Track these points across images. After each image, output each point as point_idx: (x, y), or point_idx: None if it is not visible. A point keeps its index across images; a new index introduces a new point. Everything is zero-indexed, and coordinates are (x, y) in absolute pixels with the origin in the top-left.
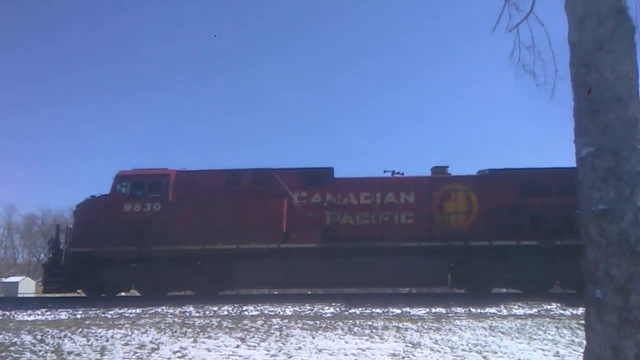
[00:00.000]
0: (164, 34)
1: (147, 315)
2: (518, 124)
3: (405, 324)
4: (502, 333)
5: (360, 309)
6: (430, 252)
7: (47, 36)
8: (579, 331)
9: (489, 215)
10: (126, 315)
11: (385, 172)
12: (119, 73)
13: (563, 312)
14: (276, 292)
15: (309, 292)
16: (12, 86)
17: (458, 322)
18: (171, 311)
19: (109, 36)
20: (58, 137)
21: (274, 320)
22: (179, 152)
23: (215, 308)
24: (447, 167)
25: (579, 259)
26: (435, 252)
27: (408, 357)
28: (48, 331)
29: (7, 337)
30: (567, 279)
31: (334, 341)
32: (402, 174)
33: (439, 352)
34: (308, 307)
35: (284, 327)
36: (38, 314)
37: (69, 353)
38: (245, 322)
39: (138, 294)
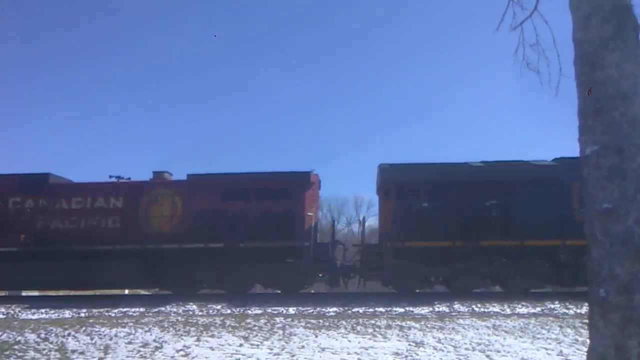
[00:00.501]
0: (162, 29)
1: (150, 314)
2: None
3: (408, 322)
4: (506, 332)
5: (363, 307)
6: (132, 255)
7: (43, 35)
8: (582, 330)
9: (190, 219)
10: (130, 314)
11: (110, 177)
12: (117, 70)
13: (567, 311)
14: (279, 292)
15: (312, 292)
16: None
17: (461, 321)
18: (174, 310)
19: (107, 34)
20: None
21: (277, 319)
22: (179, 151)
23: (219, 307)
24: (166, 172)
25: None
26: (137, 255)
27: (411, 356)
28: (52, 330)
29: (11, 336)
30: (267, 280)
31: (337, 340)
32: (129, 178)
33: (442, 351)
34: (311, 306)
35: (287, 326)
36: (42, 313)
37: (73, 351)
38: (248, 320)
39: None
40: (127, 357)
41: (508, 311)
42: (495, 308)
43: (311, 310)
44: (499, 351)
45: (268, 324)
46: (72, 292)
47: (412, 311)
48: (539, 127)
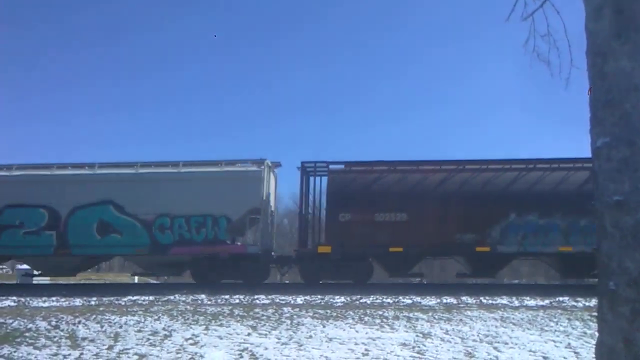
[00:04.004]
0: (157, 18)
1: (159, 303)
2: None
3: (415, 314)
4: (514, 324)
5: (371, 298)
6: None
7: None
8: (591, 323)
9: None
10: (139, 302)
11: None
12: (114, 58)
13: (575, 303)
14: (287, 282)
15: (320, 282)
16: None
17: (469, 312)
18: (183, 299)
19: (102, 21)
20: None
21: (285, 309)
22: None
23: (227, 296)
24: None
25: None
26: None
27: (418, 347)
28: (63, 317)
29: (22, 323)
30: None
31: (344, 330)
32: None
33: (450, 342)
34: (319, 296)
35: (295, 316)
36: (53, 301)
37: (84, 339)
38: (256, 310)
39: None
40: (137, 344)
41: (516, 303)
42: (503, 300)
43: (319, 301)
44: (506, 343)
45: (276, 313)
46: (83, 281)
47: (420, 302)
48: (539, 124)
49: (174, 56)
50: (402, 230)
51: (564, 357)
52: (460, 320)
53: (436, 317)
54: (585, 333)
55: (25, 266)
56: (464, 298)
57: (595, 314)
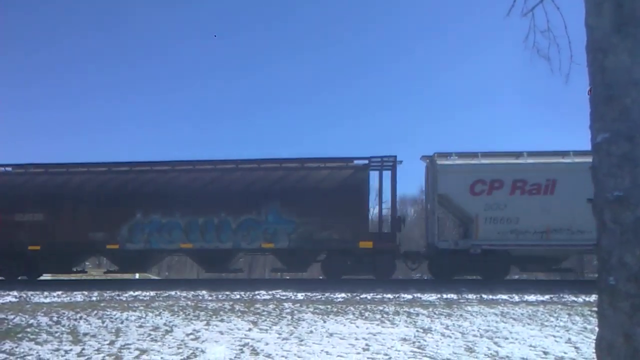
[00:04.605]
0: (170, 33)
1: (160, 299)
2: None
3: (416, 309)
4: (514, 319)
5: (371, 294)
6: None
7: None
8: (591, 318)
9: None
10: (140, 298)
11: None
12: (122, 73)
13: (575, 299)
14: (287, 277)
15: (321, 277)
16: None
17: (469, 308)
18: (184, 294)
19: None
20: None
21: (286, 305)
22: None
23: (228, 292)
24: None
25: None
26: None
27: (419, 342)
28: (64, 313)
29: (23, 319)
30: None
31: (345, 325)
32: None
33: (450, 337)
34: (320, 292)
35: (295, 312)
36: (54, 296)
37: (85, 334)
38: (257, 306)
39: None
40: (138, 340)
41: (516, 299)
42: (503, 296)
43: (319, 296)
44: (506, 338)
45: (277, 309)
46: (84, 277)
47: (420, 298)
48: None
49: (158, 46)
50: (39, 229)
51: (564, 352)
52: (461, 315)
53: (436, 312)
54: (586, 328)
55: None
56: (464, 294)
57: (596, 309)
